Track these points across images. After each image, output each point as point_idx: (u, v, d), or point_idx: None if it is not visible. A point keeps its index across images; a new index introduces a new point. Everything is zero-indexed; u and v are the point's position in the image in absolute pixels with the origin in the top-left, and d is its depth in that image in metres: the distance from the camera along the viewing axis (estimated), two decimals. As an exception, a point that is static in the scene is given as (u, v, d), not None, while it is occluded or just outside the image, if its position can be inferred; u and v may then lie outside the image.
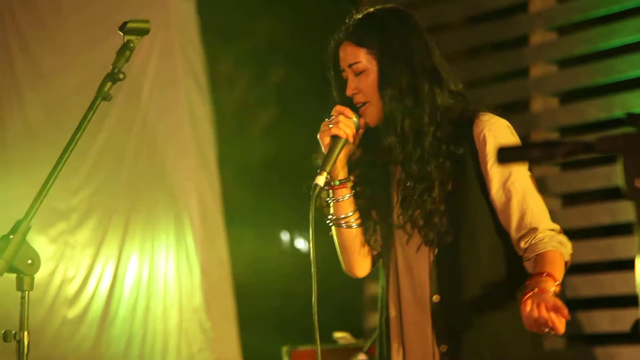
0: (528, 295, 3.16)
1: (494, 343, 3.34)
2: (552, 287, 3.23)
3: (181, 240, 8.72)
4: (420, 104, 3.43)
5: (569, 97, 7.82)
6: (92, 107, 3.24)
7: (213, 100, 9.33)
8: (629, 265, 7.08)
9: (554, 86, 7.82)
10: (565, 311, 3.11)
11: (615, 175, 7.12)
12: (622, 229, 7.24)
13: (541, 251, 3.35)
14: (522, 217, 3.39)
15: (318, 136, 3.54)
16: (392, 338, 3.56)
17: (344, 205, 3.57)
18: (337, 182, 3.54)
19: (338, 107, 3.51)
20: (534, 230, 3.36)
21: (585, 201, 7.83)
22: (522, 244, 3.37)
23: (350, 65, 3.50)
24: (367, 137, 3.55)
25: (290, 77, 14.75)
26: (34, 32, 9.69)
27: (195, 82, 9.03)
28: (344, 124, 3.45)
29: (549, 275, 3.26)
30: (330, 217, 3.60)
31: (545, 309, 3.11)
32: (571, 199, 7.81)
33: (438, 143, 3.42)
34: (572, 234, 7.56)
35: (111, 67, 3.28)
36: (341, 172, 3.54)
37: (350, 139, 3.47)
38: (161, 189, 8.87)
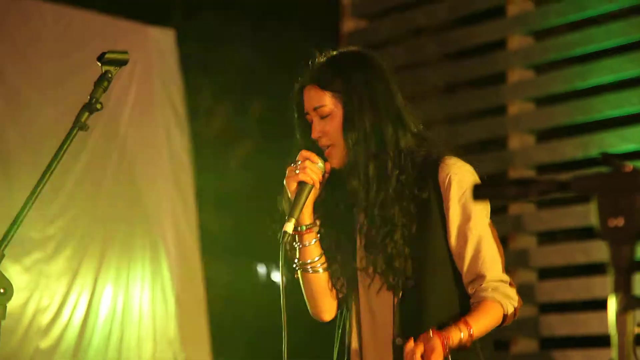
0: (420, 337, 3.19)
1: None
2: (459, 335, 3.25)
3: (156, 271, 8.71)
4: (384, 148, 3.41)
5: (545, 135, 7.85)
6: (68, 137, 3.22)
7: (192, 131, 9.33)
8: (605, 304, 7.05)
9: (531, 124, 7.83)
10: (434, 357, 3.16)
11: (590, 215, 7.10)
12: (598, 269, 7.25)
13: (479, 300, 3.37)
14: (473, 263, 3.40)
15: (284, 182, 3.53)
16: None
17: (310, 250, 3.55)
18: (304, 228, 3.53)
19: (304, 153, 3.49)
20: (481, 277, 3.37)
21: (561, 240, 7.84)
22: (470, 290, 3.39)
23: (315, 109, 3.48)
24: (331, 180, 3.55)
25: (270, 109, 14.77)
26: (12, 62, 9.68)
27: (173, 112, 9.04)
28: (311, 170, 3.44)
29: (465, 323, 3.28)
30: (296, 261, 3.59)
31: (419, 352, 3.15)
32: (547, 237, 7.83)
33: (402, 187, 3.40)
34: (548, 273, 7.61)
35: (89, 97, 3.26)
36: (307, 218, 3.52)
37: (317, 185, 3.46)
38: (138, 219, 8.87)
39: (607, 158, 2.07)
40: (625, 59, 7.31)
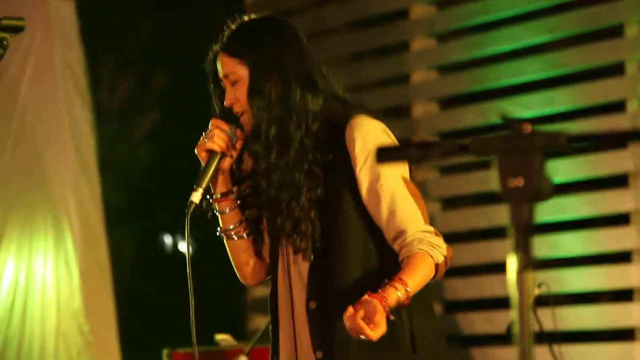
0: (358, 301, 3.16)
1: (364, 347, 3.33)
2: (396, 293, 3.21)
3: (60, 244, 8.65)
4: (288, 112, 3.41)
5: (448, 103, 7.89)
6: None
7: (94, 104, 9.24)
8: (505, 267, 7.13)
9: (433, 92, 7.88)
10: (377, 319, 3.12)
11: (490, 180, 7.19)
12: (498, 233, 7.31)
13: (407, 255, 3.34)
14: (390, 219, 3.38)
15: (195, 151, 3.52)
16: (282, 346, 3.54)
17: (229, 217, 3.55)
18: (219, 196, 3.52)
19: (213, 121, 3.51)
20: (402, 232, 3.35)
21: (463, 205, 7.90)
22: (395, 247, 3.37)
23: (226, 76, 3.49)
24: (248, 148, 3.54)
25: (175, 81, 14.69)
26: None
27: (74, 85, 8.95)
28: (219, 137, 3.44)
29: (399, 280, 3.24)
30: (219, 229, 3.58)
31: (360, 316, 3.12)
32: (450, 203, 7.88)
33: (305, 150, 3.40)
34: (451, 237, 7.66)
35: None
36: (222, 185, 3.52)
37: (226, 151, 3.44)
38: (39, 192, 8.79)
39: (508, 121, 2.08)
40: (523, 28, 7.37)
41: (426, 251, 3.33)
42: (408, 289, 3.23)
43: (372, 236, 3.43)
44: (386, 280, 3.26)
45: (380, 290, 3.22)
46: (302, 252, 3.41)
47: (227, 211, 3.54)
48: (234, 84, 3.47)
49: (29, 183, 8.83)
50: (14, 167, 8.88)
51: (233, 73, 3.46)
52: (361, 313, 3.12)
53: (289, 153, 3.39)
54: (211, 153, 3.45)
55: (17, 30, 3.30)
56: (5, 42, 3.26)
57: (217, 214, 3.58)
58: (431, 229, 3.40)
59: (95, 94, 9.55)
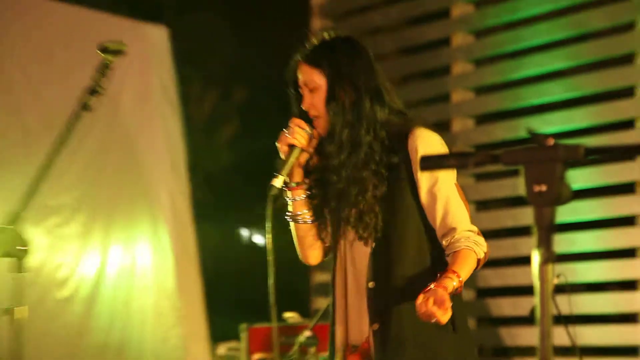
0: (425, 290, 3.17)
1: (415, 322, 3.33)
2: (452, 283, 3.22)
3: (156, 234, 8.72)
4: (360, 119, 3.41)
5: (482, 119, 7.86)
6: (74, 116, 3.22)
7: (183, 116, 9.29)
8: (529, 261, 7.13)
9: (470, 110, 7.85)
10: (447, 305, 3.12)
11: (517, 187, 7.16)
12: (523, 231, 7.30)
13: (455, 250, 3.34)
14: (444, 218, 3.38)
15: (277, 144, 3.52)
16: (337, 318, 3.54)
17: (299, 204, 3.56)
18: (294, 184, 3.53)
19: (294, 120, 3.49)
20: (452, 230, 3.36)
21: (494, 207, 7.87)
22: (444, 242, 3.37)
23: (305, 83, 3.48)
24: (321, 148, 3.55)
25: (251, 95, 14.72)
26: (28, 50, 9.65)
27: (167, 100, 9.01)
28: (299, 134, 3.44)
29: (453, 272, 3.25)
30: (288, 213, 3.59)
31: (431, 303, 3.11)
32: (482, 205, 7.85)
33: (372, 152, 3.40)
34: (483, 234, 7.62)
35: (92, 82, 3.26)
36: (297, 176, 3.53)
37: (305, 147, 3.46)
38: (139, 192, 8.86)
39: (534, 136, 2.08)
40: (547, 55, 7.34)
41: (471, 248, 3.33)
42: (460, 279, 3.25)
43: (424, 231, 3.43)
44: (438, 275, 3.28)
45: (440, 281, 3.22)
46: (363, 239, 3.42)
47: (299, 198, 3.55)
48: (312, 90, 3.46)
49: (130, 184, 8.91)
50: (118, 171, 8.97)
51: (312, 81, 3.45)
52: (432, 300, 3.12)
53: (358, 154, 3.38)
54: (291, 147, 3.46)
55: (119, 53, 3.33)
56: (109, 63, 3.29)
57: (288, 200, 3.58)
58: (475, 229, 3.41)
59: (185, 108, 9.58)
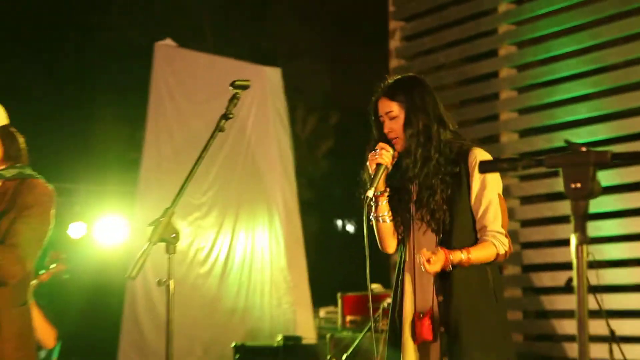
0: (435, 249, 3.34)
1: (469, 295, 3.37)
2: (460, 256, 3.34)
3: (272, 224, 8.79)
4: (430, 140, 3.44)
5: (524, 134, 7.81)
6: (212, 136, 3.30)
7: (292, 134, 9.37)
8: (563, 242, 7.10)
9: (514, 127, 7.81)
10: (435, 266, 3.30)
11: (554, 184, 7.11)
12: (558, 220, 7.23)
13: (481, 240, 3.42)
14: (481, 218, 3.42)
15: (367, 163, 3.55)
16: (405, 293, 3.54)
17: (382, 207, 3.58)
18: (379, 193, 3.55)
19: (380, 144, 3.50)
20: (484, 227, 3.42)
21: (536, 201, 7.79)
22: (478, 235, 3.43)
23: (386, 113, 3.51)
24: (398, 162, 3.57)
25: (343, 119, 14.76)
26: (180, 89, 9.83)
27: (280, 123, 9.09)
28: (385, 155, 3.47)
29: (468, 251, 3.36)
30: (372, 214, 3.61)
31: (427, 256, 3.29)
32: (526, 200, 7.77)
33: (439, 165, 3.43)
34: (527, 223, 7.55)
35: (225, 110, 3.33)
36: (381, 186, 3.55)
37: (389, 165, 3.49)
38: (259, 192, 8.96)
39: (569, 144, 2.07)
40: (576, 83, 7.26)
41: (493, 242, 3.38)
42: (470, 257, 3.34)
43: (473, 224, 3.45)
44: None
45: (454, 250, 3.34)
46: (433, 231, 3.45)
47: (382, 203, 3.57)
48: (392, 119, 3.49)
49: (252, 186, 9.00)
50: (243, 176, 9.08)
51: (392, 111, 3.48)
52: (429, 254, 3.27)
53: (429, 166, 3.41)
54: (379, 165, 3.48)
55: (245, 88, 3.39)
56: (238, 95, 3.35)
57: (373, 204, 3.60)
58: (503, 231, 3.44)
59: (293, 128, 9.65)
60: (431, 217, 3.45)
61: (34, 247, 3.57)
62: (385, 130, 3.51)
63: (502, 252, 3.38)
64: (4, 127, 3.67)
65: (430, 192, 3.44)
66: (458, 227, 3.44)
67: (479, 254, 3.35)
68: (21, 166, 3.67)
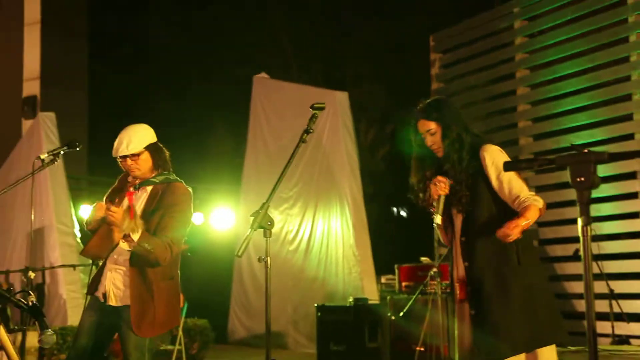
0: (507, 223, 3.11)
1: (491, 260, 3.27)
2: (523, 221, 3.11)
3: (343, 212, 8.77)
4: (462, 146, 3.37)
5: (538, 137, 7.68)
6: (297, 146, 3.29)
7: (357, 142, 9.34)
8: (569, 221, 6.98)
9: (530, 132, 7.68)
10: (517, 229, 3.08)
11: (562, 176, 6.98)
12: (565, 204, 7.09)
13: (524, 205, 3.21)
14: (510, 192, 3.26)
15: (432, 193, 3.39)
16: (455, 263, 3.46)
17: (438, 218, 3.44)
18: (441, 213, 3.41)
19: (440, 177, 3.37)
20: (518, 196, 3.23)
21: (548, 190, 7.65)
22: (515, 205, 3.25)
23: (427, 131, 3.44)
24: (440, 164, 3.48)
25: (396, 130, 14.64)
26: (272, 110, 9.89)
27: (348, 134, 9.06)
28: (445, 187, 3.34)
29: (525, 216, 3.13)
30: (435, 224, 3.45)
31: (509, 228, 3.08)
32: (540, 188, 7.64)
33: (467, 164, 3.35)
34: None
35: (306, 125, 3.32)
36: (441, 207, 3.43)
37: (447, 193, 3.37)
38: (333, 187, 8.95)
39: (575, 146, 2.03)
40: (578, 97, 7.16)
41: (533, 203, 3.19)
42: (528, 220, 3.12)
43: (494, 204, 3.32)
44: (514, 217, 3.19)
45: (516, 218, 3.12)
46: (461, 212, 3.36)
47: (440, 218, 3.43)
48: (432, 134, 3.43)
49: (327, 183, 8.99)
50: (320, 176, 9.08)
51: (430, 128, 3.42)
52: (511, 226, 3.09)
53: (462, 165, 3.34)
54: (440, 196, 3.37)
55: (321, 109, 3.37)
56: (316, 114, 3.33)
57: (436, 216, 3.45)
58: (533, 193, 3.28)
59: (357, 137, 9.61)
60: (458, 201, 3.37)
61: (179, 235, 3.60)
62: (429, 144, 3.44)
63: (541, 206, 3.21)
64: (154, 143, 3.71)
65: (461, 184, 3.37)
66: (478, 208, 3.33)
67: (531, 214, 3.15)
68: (167, 173, 3.72)
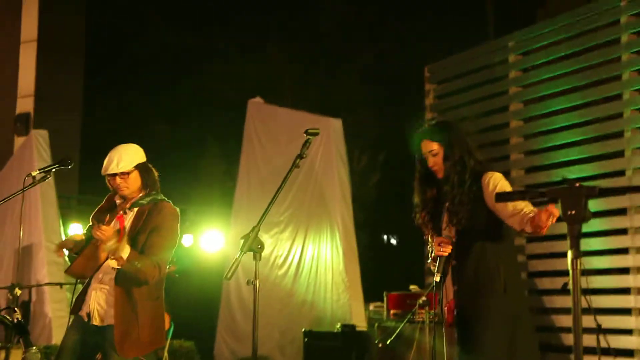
0: (539, 214, 2.97)
1: (477, 283, 3.24)
2: (556, 212, 2.92)
3: (333, 238, 8.75)
4: (464, 168, 3.37)
5: (529, 170, 7.69)
6: (290, 170, 3.29)
7: (349, 169, 9.34)
8: (562, 255, 6.95)
9: (521, 165, 7.70)
10: (545, 217, 2.91)
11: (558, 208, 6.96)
12: (558, 237, 7.08)
13: (529, 216, 3.09)
14: (514, 207, 3.18)
15: (435, 253, 3.37)
16: (445, 287, 3.42)
17: (438, 277, 3.33)
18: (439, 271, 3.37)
19: (442, 239, 3.36)
20: (522, 209, 3.15)
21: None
22: (518, 219, 3.16)
23: (429, 152, 3.44)
24: (435, 182, 3.47)
25: (389, 157, 14.67)
26: (265, 135, 9.89)
27: (341, 160, 9.07)
28: (446, 248, 3.33)
29: (529, 224, 3.06)
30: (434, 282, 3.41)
31: (545, 218, 2.91)
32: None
33: (469, 188, 3.34)
34: (532, 239, 7.40)
35: (299, 151, 3.31)
36: (440, 270, 3.38)
37: (448, 254, 3.35)
38: (324, 212, 8.93)
39: (566, 180, 2.03)
40: (570, 132, 7.19)
41: (533, 210, 3.09)
42: (542, 227, 3.01)
43: (488, 231, 3.30)
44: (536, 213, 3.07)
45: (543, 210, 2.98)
46: (456, 231, 3.33)
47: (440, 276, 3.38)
48: (434, 155, 3.42)
49: (318, 209, 8.98)
50: (311, 201, 9.06)
51: (433, 150, 3.42)
52: (547, 214, 2.93)
53: (464, 187, 3.33)
54: (441, 257, 3.34)
55: (315, 135, 3.38)
56: (309, 140, 3.33)
57: (436, 275, 3.37)
58: (530, 204, 3.21)
59: (350, 164, 9.62)
60: (457, 222, 3.35)
61: (167, 254, 3.59)
62: (430, 165, 3.44)
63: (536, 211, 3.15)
64: (143, 163, 3.71)
65: (461, 205, 3.34)
66: (473, 228, 3.33)
67: (540, 220, 3.03)
68: (155, 193, 3.71)
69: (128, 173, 3.63)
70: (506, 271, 3.29)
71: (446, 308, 3.38)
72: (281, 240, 9.22)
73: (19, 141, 10.63)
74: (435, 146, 3.43)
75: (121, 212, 3.66)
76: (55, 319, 8.01)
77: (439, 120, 3.58)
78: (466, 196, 3.34)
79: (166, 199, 3.72)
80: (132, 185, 3.66)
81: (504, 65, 8.02)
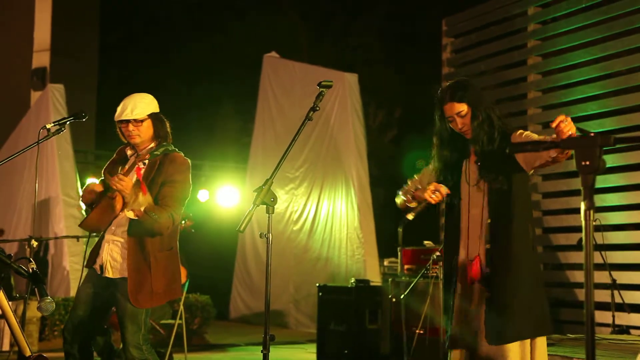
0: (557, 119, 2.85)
1: (512, 242, 3.20)
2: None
3: (348, 194, 8.77)
4: (491, 126, 3.30)
5: (546, 126, 7.62)
6: (303, 123, 3.23)
7: (365, 124, 9.30)
8: (577, 210, 6.91)
9: (538, 120, 7.63)
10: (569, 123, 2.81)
11: (569, 164, 6.93)
12: (572, 193, 7.05)
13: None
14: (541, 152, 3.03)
15: (426, 196, 3.27)
16: (462, 242, 3.40)
17: (411, 216, 3.36)
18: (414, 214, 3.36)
19: (439, 186, 3.27)
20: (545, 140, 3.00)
21: (554, 178, 7.61)
22: (549, 155, 3.06)
23: (457, 114, 3.36)
24: (457, 144, 3.41)
25: (405, 114, 14.60)
26: (281, 90, 9.85)
27: (356, 115, 9.03)
28: (437, 197, 3.24)
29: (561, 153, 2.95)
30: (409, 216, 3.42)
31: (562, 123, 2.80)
32: (546, 177, 7.61)
33: (497, 144, 3.27)
34: (547, 195, 7.37)
35: (313, 104, 3.26)
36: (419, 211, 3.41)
37: (435, 202, 3.29)
38: (339, 168, 8.94)
39: (581, 130, 1.98)
40: (588, 86, 7.10)
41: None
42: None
43: (522, 187, 3.26)
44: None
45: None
46: (486, 193, 3.27)
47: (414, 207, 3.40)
48: (462, 116, 3.35)
49: (334, 164, 8.98)
50: (327, 157, 9.06)
51: (462, 111, 3.34)
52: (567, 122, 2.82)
53: (493, 144, 3.27)
54: (423, 202, 3.30)
55: (328, 87, 3.30)
56: (323, 92, 3.28)
57: (410, 215, 3.38)
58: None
59: (366, 120, 9.58)
60: (491, 181, 3.30)
61: (180, 205, 3.57)
62: (459, 127, 3.36)
63: None
64: (157, 113, 3.69)
65: (492, 163, 3.29)
66: (506, 190, 3.26)
67: (561, 131, 2.86)
68: (167, 144, 3.69)
69: (141, 121, 3.61)
70: (532, 228, 3.29)
71: (475, 263, 3.34)
72: (296, 196, 9.25)
73: (35, 96, 10.67)
74: (463, 107, 3.35)
75: (140, 163, 3.64)
76: (72, 271, 8.12)
77: (458, 80, 3.49)
78: (497, 153, 3.29)
79: (177, 149, 3.71)
80: (144, 134, 3.64)
81: (523, 17, 7.89)
